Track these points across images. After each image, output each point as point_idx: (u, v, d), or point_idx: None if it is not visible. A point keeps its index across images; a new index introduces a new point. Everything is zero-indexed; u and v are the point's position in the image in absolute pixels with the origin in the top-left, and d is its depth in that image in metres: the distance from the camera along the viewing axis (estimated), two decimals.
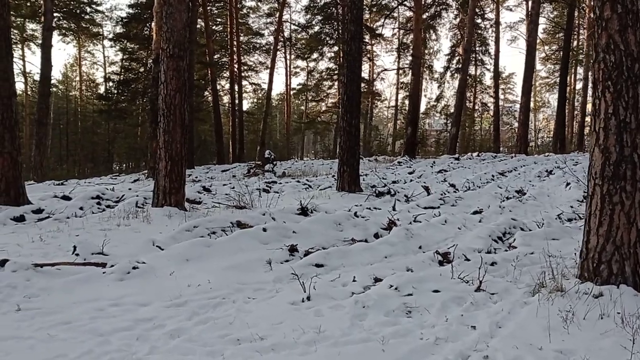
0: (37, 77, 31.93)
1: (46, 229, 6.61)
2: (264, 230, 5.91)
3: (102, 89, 43.97)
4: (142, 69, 27.73)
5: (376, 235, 6.80)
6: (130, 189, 11.20)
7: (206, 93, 33.73)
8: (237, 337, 3.28)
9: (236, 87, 31.98)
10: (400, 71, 37.61)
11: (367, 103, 43.58)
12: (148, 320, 3.54)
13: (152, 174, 14.43)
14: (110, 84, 27.07)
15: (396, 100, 42.95)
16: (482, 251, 5.92)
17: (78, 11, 26.39)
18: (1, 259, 4.41)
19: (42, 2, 22.45)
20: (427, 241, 6.47)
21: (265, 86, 38.96)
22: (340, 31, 33.84)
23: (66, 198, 9.44)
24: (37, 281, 4.25)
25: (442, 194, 10.55)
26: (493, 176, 16.64)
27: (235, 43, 32.20)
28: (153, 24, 26.34)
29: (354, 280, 4.40)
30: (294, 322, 3.48)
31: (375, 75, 39.43)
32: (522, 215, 9.19)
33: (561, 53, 42.66)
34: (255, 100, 50.46)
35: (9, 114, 7.92)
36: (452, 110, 35.87)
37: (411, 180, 15.02)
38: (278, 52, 36.69)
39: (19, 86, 37.39)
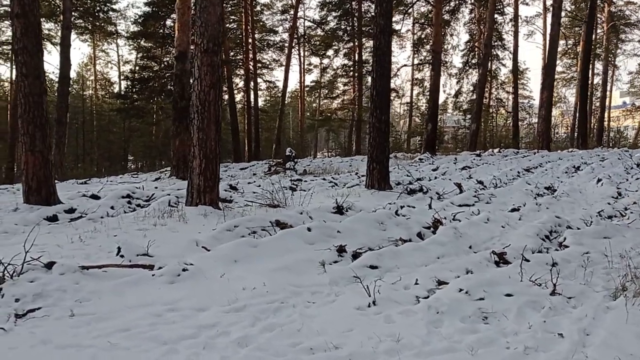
0: (52, 77, 32.07)
1: (82, 229, 6.45)
2: (309, 230, 5.71)
3: (116, 88, 44.17)
4: (158, 67, 27.71)
5: (419, 235, 6.57)
6: (156, 187, 11.05)
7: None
8: (308, 345, 3.07)
9: (251, 85, 31.84)
10: (416, 67, 37.23)
11: None
12: (211, 327, 3.35)
13: (175, 172, 14.34)
14: (127, 82, 26.96)
15: (411, 96, 42.55)
16: (535, 251, 5.68)
17: (95, 10, 26.33)
18: (48, 262, 4.24)
19: (59, 1, 22.48)
20: (475, 240, 6.23)
21: (278, 84, 38.89)
22: (356, 27, 33.59)
23: (95, 197, 9.31)
24: (86, 284, 4.07)
25: (475, 192, 10.29)
26: (519, 172, 16.32)
27: (250, 40, 32.04)
28: (173, 20, 26.37)
29: (416, 283, 4.18)
30: (366, 329, 3.27)
31: (395, 71, 39.12)
32: (560, 212, 8.91)
33: (579, 47, 42.30)
34: (268, 98, 50.28)
35: (40, 112, 7.79)
36: (465, 106, 35.68)
37: (436, 178, 14.77)
38: (292, 49, 36.49)
39: None
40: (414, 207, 9.17)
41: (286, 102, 53.21)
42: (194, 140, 7.43)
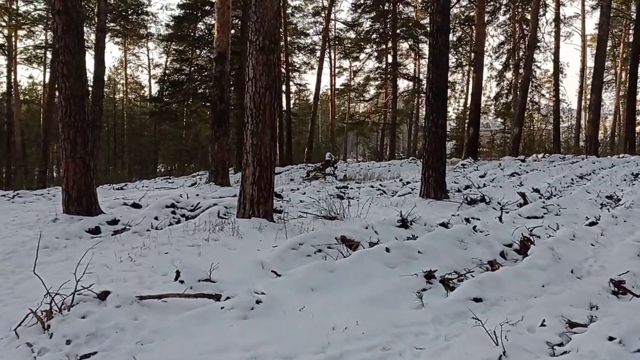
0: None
1: (129, 244, 5.87)
2: (387, 250, 4.99)
3: (146, 92, 44.24)
4: (189, 70, 27.37)
5: (502, 254, 5.82)
6: (197, 194, 10.47)
7: None
8: None
9: (283, 88, 31.34)
10: (452, 69, 36.21)
11: (413, 103, 42.40)
12: None
13: (213, 177, 13.79)
14: (161, 85, 26.67)
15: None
16: None
17: (127, 12, 26.13)
18: (102, 291, 3.62)
19: (94, 4, 22.28)
20: (573, 263, 5.43)
21: (309, 87, 38.34)
22: (390, 29, 32.81)
23: (137, 206, 8.78)
24: (147, 319, 3.43)
25: (543, 202, 9.44)
26: (572, 180, 15.36)
27: (282, 43, 31.54)
28: (205, 23, 26.07)
29: (542, 325, 3.43)
30: None
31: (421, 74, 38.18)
32: None
33: (619, 48, 40.71)
34: (297, 101, 49.80)
35: (82, 116, 7.26)
36: (499, 109, 34.49)
37: (484, 185, 13.92)
38: (325, 52, 35.91)
39: None
40: (478, 219, 8.43)
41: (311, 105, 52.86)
42: (247, 147, 6.79)
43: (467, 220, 8.14)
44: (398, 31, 31.72)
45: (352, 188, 12.34)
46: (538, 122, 37.49)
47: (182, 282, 4.17)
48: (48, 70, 30.67)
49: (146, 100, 38.55)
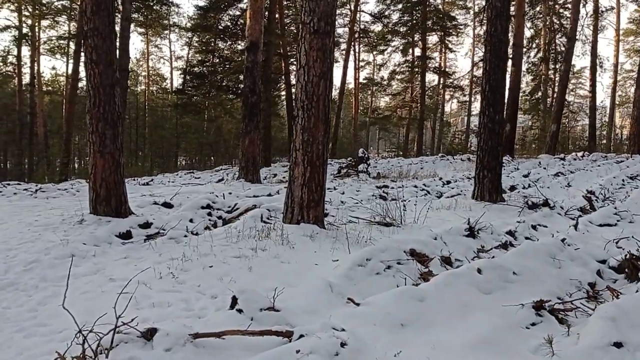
0: None
1: (166, 253, 5.12)
2: (479, 271, 4.15)
3: (168, 84, 43.76)
4: (213, 62, 26.67)
5: (599, 273, 4.95)
6: (230, 193, 9.71)
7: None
8: None
9: None
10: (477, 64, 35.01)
11: (438, 97, 41.28)
12: None
13: (244, 174, 13.04)
14: (185, 77, 26.01)
15: (470, 93, 40.27)
16: None
17: (152, 2, 25.49)
18: (147, 329, 2.84)
19: None
20: None
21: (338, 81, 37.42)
22: (419, 21, 31.74)
23: (168, 205, 8.07)
24: None
25: (615, 209, 8.50)
26: (623, 181, 14.33)
27: None
28: (229, 15, 25.31)
29: None
30: None
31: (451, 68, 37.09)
32: None
33: None
34: None
35: (112, 107, 6.52)
36: (526, 106, 33.20)
37: (529, 186, 12.97)
38: (351, 44, 35.01)
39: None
40: (546, 227, 7.59)
41: (335, 100, 51.92)
42: (297, 143, 5.99)
43: (534, 227, 7.29)
44: (428, 23, 30.61)
45: (392, 187, 11.50)
46: (566, 119, 36.14)
47: (240, 311, 3.39)
48: (71, 61, 30.26)
49: (168, 93, 38.06)
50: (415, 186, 11.41)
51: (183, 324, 3.08)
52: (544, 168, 17.28)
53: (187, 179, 17.27)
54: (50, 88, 39.83)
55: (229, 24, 24.60)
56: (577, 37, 26.78)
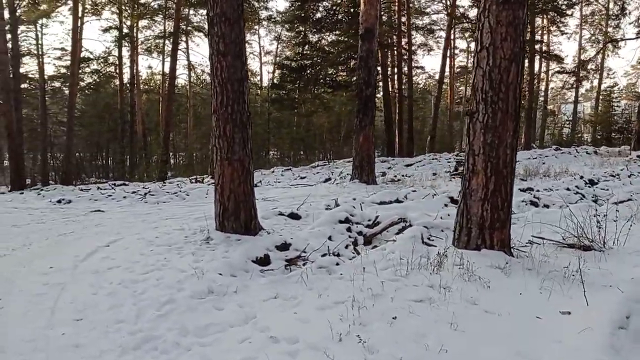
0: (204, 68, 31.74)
1: (325, 291, 4.01)
2: None
3: (257, 79, 43.66)
4: (310, 54, 25.74)
5: None
6: (354, 198, 8.56)
7: None
8: None
9: (405, 70, 28.89)
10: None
11: (539, 85, 38.00)
12: None
13: (358, 174, 11.89)
14: (283, 70, 25.30)
15: (599, 80, 36.55)
16: None
17: None
18: None
19: None
20: None
21: (427, 70, 35.54)
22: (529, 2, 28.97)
23: (295, 217, 7.09)
24: None
25: None
26: None
27: (404, 21, 29.04)
28: (324, 6, 24.25)
29: None
30: None
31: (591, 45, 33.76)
32: None
33: None
34: (414, 85, 46.95)
35: (241, 107, 5.54)
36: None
37: None
38: (441, 32, 32.98)
39: (183, 79, 37.92)
40: None
41: (429, 89, 49.60)
42: (475, 146, 4.66)
43: None
44: (539, 3, 27.84)
45: (538, 190, 9.82)
46: None
47: None
48: (167, 59, 30.67)
49: (259, 88, 37.86)
50: (568, 189, 9.66)
51: None
52: None
53: (289, 177, 16.43)
54: (147, 87, 40.93)
55: (324, 14, 23.54)
56: None
